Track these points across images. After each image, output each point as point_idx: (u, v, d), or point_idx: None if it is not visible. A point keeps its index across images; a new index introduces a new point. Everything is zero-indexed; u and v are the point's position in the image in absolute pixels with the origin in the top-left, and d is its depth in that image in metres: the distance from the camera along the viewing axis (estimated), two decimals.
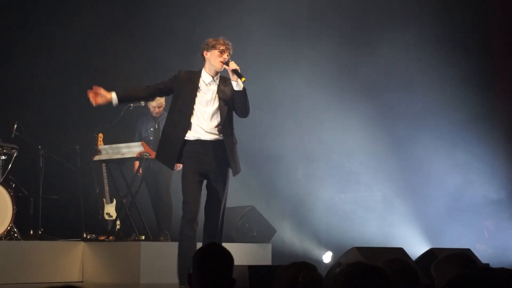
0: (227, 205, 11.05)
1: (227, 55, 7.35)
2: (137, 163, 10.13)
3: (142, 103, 10.44)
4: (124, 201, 10.08)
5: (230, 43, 7.41)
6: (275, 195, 11.65)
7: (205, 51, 7.39)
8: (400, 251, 7.11)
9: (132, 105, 10.42)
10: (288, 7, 11.86)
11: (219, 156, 7.34)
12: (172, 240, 10.20)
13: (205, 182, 7.43)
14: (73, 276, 9.40)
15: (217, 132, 7.36)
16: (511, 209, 11.10)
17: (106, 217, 10.59)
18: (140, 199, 10.35)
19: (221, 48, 7.33)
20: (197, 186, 7.34)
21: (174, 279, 7.44)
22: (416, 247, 9.92)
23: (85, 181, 10.90)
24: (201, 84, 7.38)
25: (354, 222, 11.32)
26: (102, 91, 7.50)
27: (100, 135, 10.44)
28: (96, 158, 10.23)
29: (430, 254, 7.22)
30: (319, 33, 11.93)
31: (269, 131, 11.52)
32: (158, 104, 10.36)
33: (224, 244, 6.65)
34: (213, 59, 7.35)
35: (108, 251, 9.53)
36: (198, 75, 7.41)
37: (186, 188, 7.33)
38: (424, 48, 11.52)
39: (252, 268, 6.50)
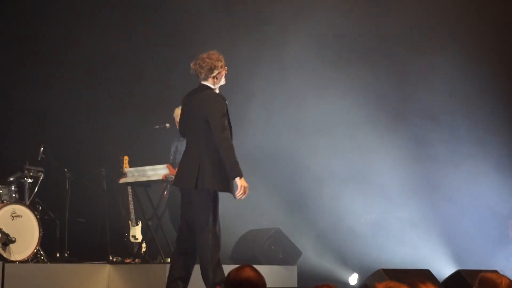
0: (255, 227, 11.14)
1: None
2: (162, 186, 10.15)
3: (168, 124, 10.51)
4: (150, 223, 10.10)
5: None
6: (301, 217, 11.63)
7: (222, 70, 7.23)
8: (427, 273, 7.06)
9: (157, 126, 10.50)
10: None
11: None
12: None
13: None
14: None
15: None
16: None
17: (132, 239, 10.61)
18: (166, 222, 10.38)
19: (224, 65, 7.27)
20: None
21: None
22: (444, 269, 9.86)
23: (111, 204, 10.94)
24: None
25: (380, 243, 11.27)
26: None
27: (126, 157, 10.47)
28: (122, 180, 10.25)
29: (457, 275, 7.18)
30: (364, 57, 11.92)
31: (294, 149, 11.54)
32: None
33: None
34: (221, 76, 7.25)
35: (134, 274, 9.53)
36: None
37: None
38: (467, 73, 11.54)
39: None
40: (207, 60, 7.17)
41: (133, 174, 10.20)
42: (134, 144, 10.65)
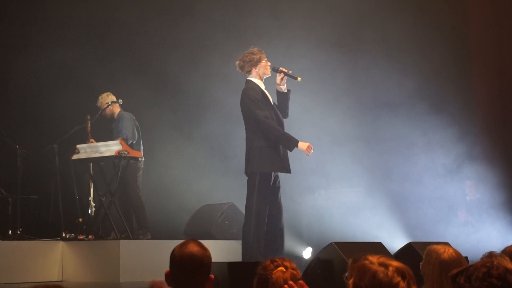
0: (207, 203, 11.14)
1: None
2: (115, 162, 10.10)
3: (120, 100, 10.54)
4: (103, 200, 10.05)
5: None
6: None
7: (253, 68, 8.15)
8: (379, 246, 7.12)
9: (109, 102, 10.48)
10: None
11: None
12: (152, 238, 10.20)
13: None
14: (53, 276, 9.36)
15: None
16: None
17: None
18: (119, 198, 10.37)
19: (264, 58, 8.18)
20: None
21: (153, 277, 7.40)
22: (396, 242, 9.95)
23: (64, 181, 10.85)
24: (265, 91, 8.20)
25: (335, 218, 11.33)
26: None
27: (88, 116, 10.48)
28: (75, 157, 10.18)
29: (409, 247, 7.25)
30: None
31: None
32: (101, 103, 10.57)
33: (204, 241, 6.66)
34: (264, 70, 8.18)
35: (88, 250, 9.50)
36: (255, 84, 8.15)
37: None
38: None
39: (231, 265, 6.50)
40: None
41: (85, 150, 10.15)
42: (84, 121, 10.57)
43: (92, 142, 10.34)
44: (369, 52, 11.86)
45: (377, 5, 11.88)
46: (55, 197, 10.70)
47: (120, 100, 10.63)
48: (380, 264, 3.04)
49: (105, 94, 10.68)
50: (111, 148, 9.95)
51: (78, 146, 10.20)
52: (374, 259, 3.10)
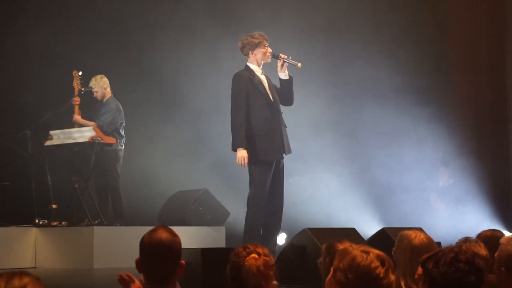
0: (182, 189, 11.12)
1: (269, 48, 8.11)
2: (89, 148, 10.04)
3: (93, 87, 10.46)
4: (77, 186, 10.00)
5: (265, 35, 8.14)
6: (229, 177, 11.64)
7: (251, 52, 8.09)
8: (352, 231, 7.15)
9: (83, 89, 10.37)
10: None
11: None
12: (126, 224, 10.17)
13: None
14: (26, 262, 9.32)
15: None
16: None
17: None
18: (93, 184, 10.33)
19: (265, 44, 8.08)
20: None
21: (127, 263, 7.41)
22: (370, 227, 10.00)
23: (37, 167, 10.77)
24: (260, 76, 8.11)
25: (309, 204, 11.37)
26: None
27: (75, 72, 10.36)
28: (48, 143, 10.12)
29: (382, 233, 7.28)
30: None
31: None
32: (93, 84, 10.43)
33: (178, 228, 6.69)
34: (262, 55, 8.08)
35: (61, 237, 9.47)
36: (251, 71, 8.07)
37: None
38: None
39: (205, 251, 6.50)
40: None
41: (58, 136, 10.09)
42: (58, 105, 10.49)
43: (78, 118, 10.23)
44: (355, 41, 11.86)
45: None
46: (28, 183, 10.62)
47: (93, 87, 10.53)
48: (362, 251, 3.06)
49: (99, 76, 10.55)
50: (84, 134, 9.90)
51: (51, 132, 10.13)
52: (357, 246, 3.13)
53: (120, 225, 10.09)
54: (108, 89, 10.51)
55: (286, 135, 8.17)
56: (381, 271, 3.01)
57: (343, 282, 3.03)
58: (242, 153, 7.87)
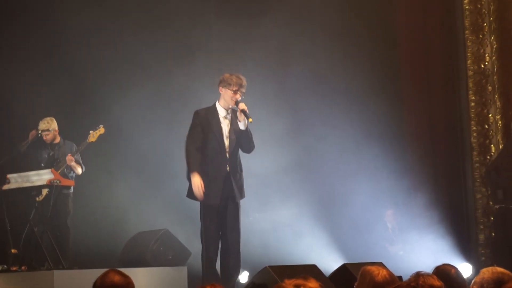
0: (142, 230, 11.07)
1: (239, 95, 8.02)
2: (47, 191, 9.98)
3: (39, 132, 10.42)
4: (35, 229, 9.91)
5: (244, 82, 8.04)
6: (190, 217, 11.62)
7: (220, 87, 8.09)
8: (313, 268, 7.16)
9: (40, 132, 10.36)
10: None
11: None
12: (86, 267, 10.08)
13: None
14: None
15: None
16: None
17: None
18: (52, 227, 10.24)
19: (234, 88, 8.00)
20: None
21: None
22: (331, 263, 10.01)
23: None
24: (221, 118, 8.08)
25: (271, 241, 11.37)
26: None
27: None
28: (6, 187, 10.05)
29: (343, 269, 7.30)
30: None
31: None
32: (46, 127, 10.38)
33: (139, 269, 6.69)
34: (227, 96, 8.05)
35: (21, 282, 9.35)
36: (214, 113, 8.08)
37: None
38: None
39: None
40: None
41: (16, 180, 10.03)
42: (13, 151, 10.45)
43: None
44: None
45: None
46: None
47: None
48: (295, 285, 3.09)
49: (49, 118, 10.53)
50: (42, 177, 9.86)
51: (9, 176, 10.06)
52: (291, 281, 3.15)
53: (70, 269, 9.97)
54: (57, 131, 10.54)
55: (240, 180, 8.18)
56: None
57: None
58: (196, 181, 7.87)
